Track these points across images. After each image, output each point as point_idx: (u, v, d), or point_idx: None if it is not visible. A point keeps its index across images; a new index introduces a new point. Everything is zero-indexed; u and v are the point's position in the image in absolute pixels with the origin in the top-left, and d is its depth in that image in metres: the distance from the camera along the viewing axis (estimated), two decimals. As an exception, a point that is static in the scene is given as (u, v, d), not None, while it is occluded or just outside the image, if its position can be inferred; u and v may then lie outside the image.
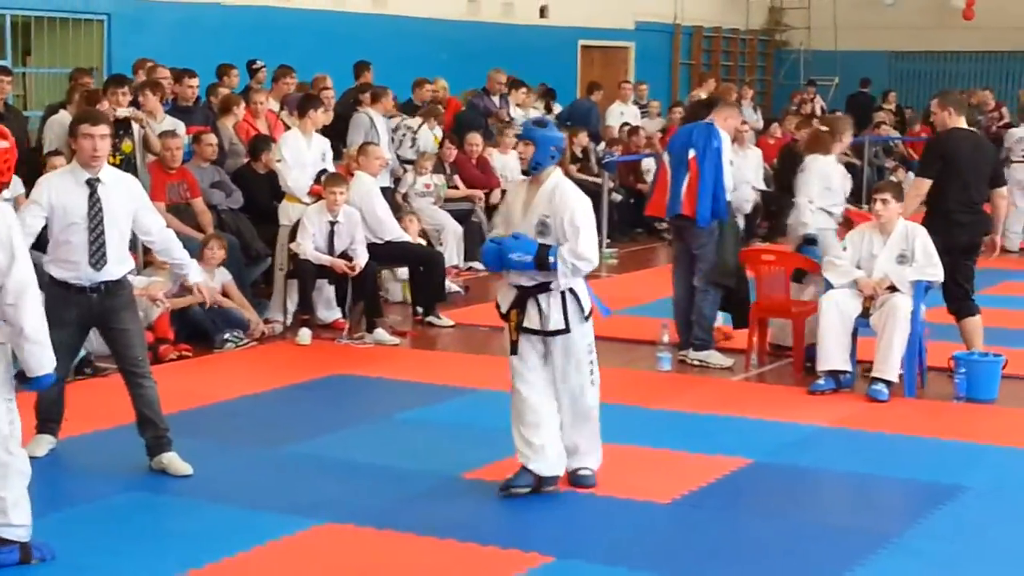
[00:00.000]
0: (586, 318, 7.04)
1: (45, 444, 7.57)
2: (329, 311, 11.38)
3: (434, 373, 9.73)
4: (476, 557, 6.15)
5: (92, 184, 7.18)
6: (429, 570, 6.04)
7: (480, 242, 14.54)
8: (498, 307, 7.18)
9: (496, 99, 16.75)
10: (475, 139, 15.07)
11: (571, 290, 6.96)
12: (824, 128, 11.08)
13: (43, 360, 5.88)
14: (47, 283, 7.40)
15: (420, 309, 11.73)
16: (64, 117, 11.94)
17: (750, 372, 9.91)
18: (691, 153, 9.85)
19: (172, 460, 7.32)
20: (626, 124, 18.00)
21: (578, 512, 6.81)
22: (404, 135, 14.79)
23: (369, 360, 10.22)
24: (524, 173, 7.15)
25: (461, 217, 14.34)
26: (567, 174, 16.18)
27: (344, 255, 10.94)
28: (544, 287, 6.92)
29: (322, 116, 12.28)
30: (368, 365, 10.03)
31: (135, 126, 11.62)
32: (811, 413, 8.68)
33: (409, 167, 14.37)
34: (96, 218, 7.15)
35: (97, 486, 7.15)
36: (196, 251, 10.89)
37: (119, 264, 7.29)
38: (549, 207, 6.88)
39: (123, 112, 11.53)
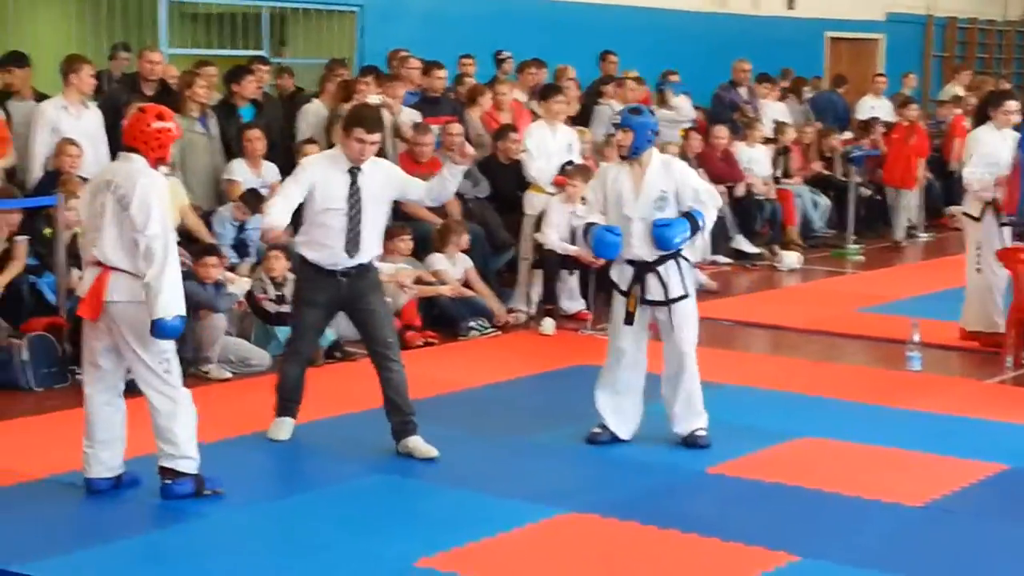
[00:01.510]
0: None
1: (288, 427, 7.73)
2: (572, 302, 11.39)
3: (677, 366, 9.64)
4: (720, 553, 6.07)
5: (353, 172, 7.37)
6: (672, 564, 5.99)
7: (725, 238, 14.47)
8: (615, 284, 7.64)
9: (743, 91, 16.53)
10: (721, 132, 14.91)
11: (684, 258, 7.54)
12: None
13: (168, 306, 6.31)
14: (299, 265, 7.61)
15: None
16: (317, 107, 12.25)
17: (1006, 375, 9.56)
18: None
19: (417, 444, 7.42)
20: (875, 119, 17.54)
21: (824, 511, 6.66)
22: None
23: (611, 351, 10.18)
24: (622, 158, 7.58)
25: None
26: (813, 172, 16.03)
27: (589, 246, 10.95)
28: (663, 259, 7.46)
29: (561, 105, 12.17)
30: (611, 356, 9.98)
31: (385, 114, 11.82)
32: (1072, 419, 8.33)
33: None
34: (355, 206, 7.33)
35: (346, 467, 7.29)
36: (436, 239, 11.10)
37: (370, 250, 7.47)
38: (667, 180, 7.48)
39: (373, 99, 11.75)
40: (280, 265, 9.80)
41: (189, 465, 6.58)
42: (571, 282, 11.36)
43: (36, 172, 10.30)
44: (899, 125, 16.18)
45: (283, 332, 9.53)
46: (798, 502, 6.77)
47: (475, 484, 6.97)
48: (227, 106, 11.69)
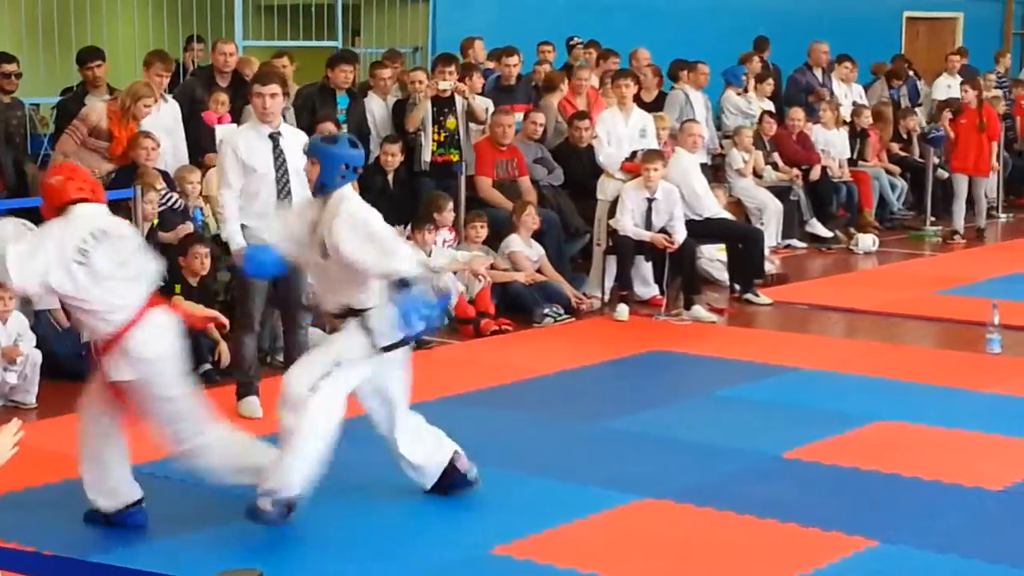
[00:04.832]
0: None
1: (258, 404, 7.96)
2: (646, 287, 11.37)
3: (752, 351, 9.62)
4: (798, 538, 6.04)
5: (275, 138, 7.72)
6: (749, 550, 5.96)
7: (800, 222, 14.37)
8: None
9: (819, 73, 16.38)
10: (796, 114, 14.81)
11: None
12: None
13: None
14: (247, 235, 7.68)
15: (738, 286, 11.61)
16: (376, 101, 12.20)
17: (1089, 356, 9.44)
18: None
19: None
20: (948, 100, 17.25)
21: (903, 497, 6.59)
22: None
23: (687, 337, 10.18)
24: (313, 193, 6.31)
25: (779, 194, 14.13)
26: (889, 152, 15.85)
27: (663, 231, 10.92)
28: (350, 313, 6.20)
29: (627, 89, 11.97)
30: (686, 342, 9.98)
31: (458, 100, 11.84)
32: None
33: (728, 142, 14.29)
34: (281, 168, 7.68)
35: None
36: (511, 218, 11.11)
37: None
38: (328, 232, 6.09)
39: (444, 85, 11.74)
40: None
41: None
42: (644, 268, 11.34)
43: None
44: (967, 108, 14.93)
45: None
46: (875, 486, 6.72)
47: (552, 471, 6.97)
48: (325, 90, 11.71)
